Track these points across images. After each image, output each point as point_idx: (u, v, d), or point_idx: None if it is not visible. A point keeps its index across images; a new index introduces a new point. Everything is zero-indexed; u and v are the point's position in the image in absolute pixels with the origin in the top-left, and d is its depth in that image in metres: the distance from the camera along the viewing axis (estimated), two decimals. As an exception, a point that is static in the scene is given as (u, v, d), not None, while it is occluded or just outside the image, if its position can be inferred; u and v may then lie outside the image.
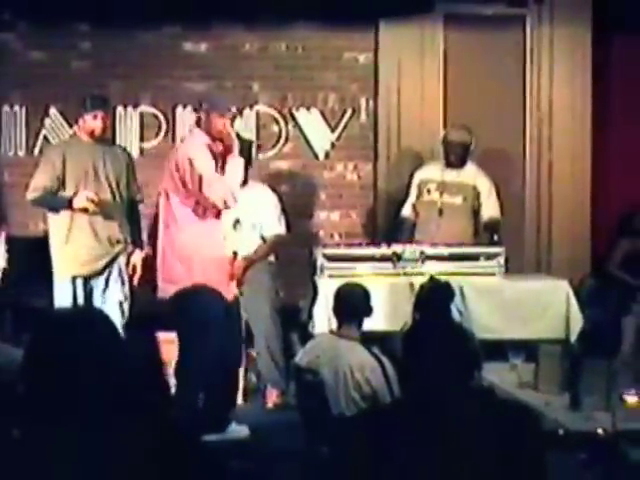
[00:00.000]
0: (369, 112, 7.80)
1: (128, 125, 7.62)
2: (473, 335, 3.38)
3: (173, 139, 7.62)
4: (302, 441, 4.74)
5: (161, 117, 7.65)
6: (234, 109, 6.67)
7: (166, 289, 5.57)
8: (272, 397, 6.49)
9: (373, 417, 2.96)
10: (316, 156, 7.82)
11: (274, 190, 6.82)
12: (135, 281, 6.28)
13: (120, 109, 7.53)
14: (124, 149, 6.69)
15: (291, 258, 7.14)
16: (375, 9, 7.54)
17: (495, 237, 6.81)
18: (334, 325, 5.00)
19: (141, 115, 7.65)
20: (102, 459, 2.23)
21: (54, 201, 6.12)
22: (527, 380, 5.36)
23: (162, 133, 7.66)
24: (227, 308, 5.58)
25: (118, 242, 6.20)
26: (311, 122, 7.77)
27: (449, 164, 7.01)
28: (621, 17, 7.66)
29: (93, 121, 6.13)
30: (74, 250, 6.09)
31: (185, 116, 7.60)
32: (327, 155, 7.83)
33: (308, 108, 7.77)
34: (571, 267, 7.56)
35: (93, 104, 6.15)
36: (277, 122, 7.75)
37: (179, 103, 7.63)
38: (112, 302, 6.15)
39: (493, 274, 6.54)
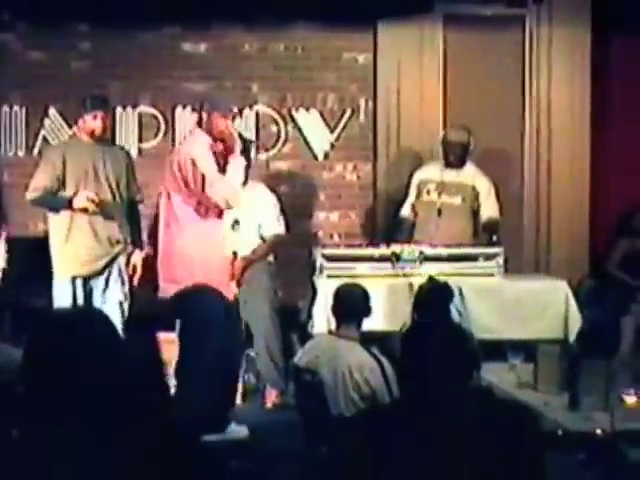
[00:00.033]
0: (368, 112, 7.81)
1: (127, 125, 7.62)
2: (472, 335, 3.39)
3: (172, 139, 7.62)
4: (301, 441, 4.74)
5: (160, 117, 7.65)
6: (235, 109, 6.68)
7: (167, 289, 5.58)
8: (271, 397, 6.50)
9: (372, 417, 2.96)
10: (315, 156, 7.82)
11: (273, 190, 6.82)
12: (135, 281, 6.28)
13: (119, 109, 7.54)
14: (124, 149, 6.69)
15: (290, 258, 7.14)
16: (374, 9, 7.54)
17: (494, 237, 6.82)
18: (333, 325, 5.01)
19: (140, 115, 7.66)
20: (102, 459, 2.23)
21: (54, 201, 6.13)
22: (526, 380, 5.36)
23: (161, 133, 7.67)
24: (227, 308, 5.58)
25: (118, 242, 6.21)
26: (310, 122, 7.78)
27: (448, 164, 7.01)
28: (620, 17, 7.67)
29: (93, 121, 6.14)
30: (74, 250, 6.09)
31: (184, 116, 7.61)
32: (326, 155, 7.83)
33: (307, 108, 7.77)
34: (570, 267, 7.57)
35: (93, 104, 6.16)
36: (276, 122, 7.76)
37: (178, 103, 7.63)
38: (112, 302, 6.15)
39: (492, 274, 6.54)
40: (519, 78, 7.88)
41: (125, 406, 2.31)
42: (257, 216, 6.48)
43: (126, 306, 6.24)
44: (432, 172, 7.09)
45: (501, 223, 7.06)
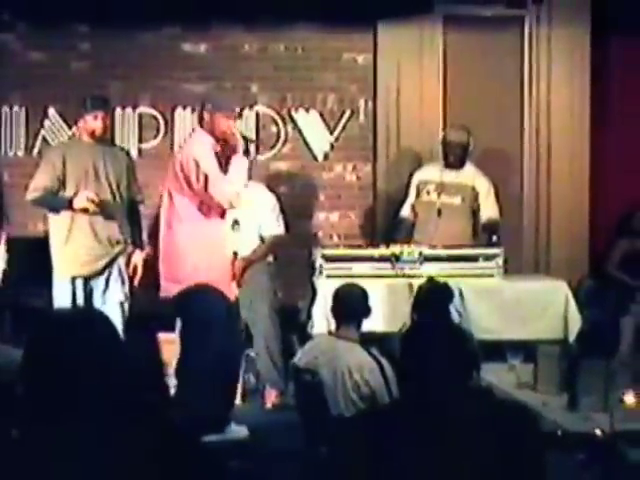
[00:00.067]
0: (368, 113, 7.81)
1: (127, 126, 7.62)
2: (472, 336, 3.39)
3: (172, 140, 7.63)
4: (301, 441, 4.74)
5: (160, 118, 7.66)
6: (238, 109, 6.69)
7: (169, 288, 5.58)
8: (271, 397, 6.50)
9: (372, 418, 2.96)
10: (315, 157, 7.82)
11: (273, 191, 6.83)
12: (136, 281, 6.28)
13: (119, 110, 7.54)
14: (124, 150, 6.70)
15: (290, 259, 7.15)
16: (374, 10, 7.54)
17: (494, 238, 6.82)
18: (333, 326, 5.01)
19: (140, 116, 7.66)
20: (102, 460, 2.23)
21: (54, 201, 6.13)
22: (525, 380, 5.37)
23: (161, 134, 7.67)
24: (229, 308, 5.59)
25: (118, 243, 6.21)
26: (310, 123, 7.78)
27: (448, 165, 7.01)
28: (619, 18, 7.67)
29: (94, 121, 6.14)
30: (74, 250, 6.09)
31: (184, 117, 7.62)
32: (326, 156, 7.83)
33: (307, 109, 7.77)
34: (570, 267, 7.57)
35: (94, 104, 6.16)
36: (276, 123, 7.76)
37: (178, 104, 7.64)
38: (112, 302, 6.15)
39: (492, 275, 6.55)
40: (519, 78, 7.89)
41: (125, 406, 2.31)
42: (257, 216, 6.48)
43: (126, 306, 6.24)
44: (432, 172, 7.10)
45: (501, 223, 7.06)
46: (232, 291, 5.73)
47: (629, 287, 7.33)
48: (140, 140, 7.65)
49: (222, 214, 5.65)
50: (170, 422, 2.43)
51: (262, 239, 6.54)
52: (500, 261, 6.55)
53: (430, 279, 5.78)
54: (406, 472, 2.71)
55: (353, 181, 7.86)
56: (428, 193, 7.06)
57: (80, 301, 6.07)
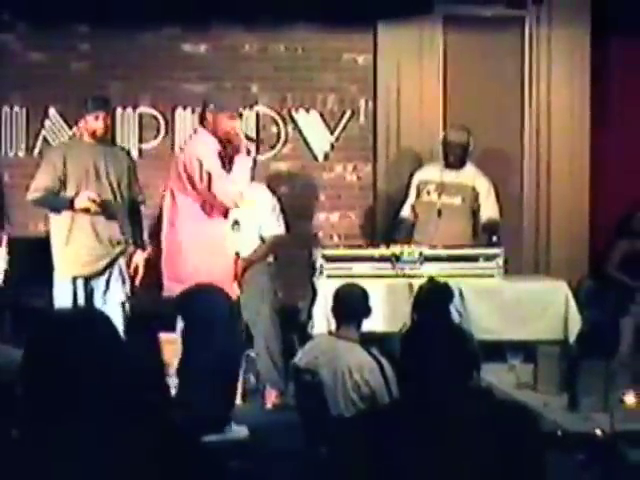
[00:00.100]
0: (368, 113, 7.81)
1: (127, 126, 7.62)
2: (472, 336, 3.39)
3: (172, 140, 7.64)
4: (301, 441, 4.74)
5: (160, 118, 7.66)
6: (240, 109, 6.69)
7: (172, 288, 5.58)
8: (271, 397, 6.50)
9: (372, 418, 2.97)
10: (315, 157, 7.82)
11: (273, 191, 6.83)
12: (137, 281, 6.29)
13: (119, 110, 7.54)
14: (125, 150, 6.70)
15: (290, 259, 7.15)
16: (374, 10, 7.55)
17: (494, 238, 6.83)
18: (333, 326, 5.01)
19: (140, 116, 7.66)
20: (102, 460, 2.23)
21: (56, 201, 6.14)
22: (525, 381, 5.36)
23: (161, 134, 7.67)
24: (231, 308, 5.59)
25: (119, 243, 6.21)
26: (310, 123, 7.78)
27: (448, 165, 7.02)
28: (619, 19, 7.67)
29: (95, 122, 6.15)
30: (75, 251, 6.10)
31: (185, 117, 7.62)
32: (326, 156, 7.83)
33: (307, 109, 7.78)
34: (570, 268, 7.57)
35: (95, 105, 6.17)
36: (276, 123, 7.76)
37: (178, 104, 7.64)
38: (113, 303, 6.16)
39: (492, 275, 6.55)
40: (519, 79, 7.89)
41: (125, 406, 2.31)
42: (257, 217, 6.49)
43: (127, 306, 6.24)
44: (432, 173, 7.10)
45: (501, 224, 7.07)
46: (234, 291, 5.73)
47: (629, 288, 7.33)
48: (140, 140, 7.65)
49: (225, 214, 5.66)
50: (170, 422, 2.43)
51: (262, 239, 6.54)
52: (500, 261, 6.55)
53: (430, 279, 5.78)
54: (406, 472, 2.72)
55: (353, 181, 7.86)
56: (428, 193, 7.06)
57: (81, 301, 6.07)
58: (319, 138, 7.80)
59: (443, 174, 7.00)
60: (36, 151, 7.49)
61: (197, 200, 5.53)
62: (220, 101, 6.01)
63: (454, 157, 6.99)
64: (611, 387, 4.78)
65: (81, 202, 6.03)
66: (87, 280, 6.16)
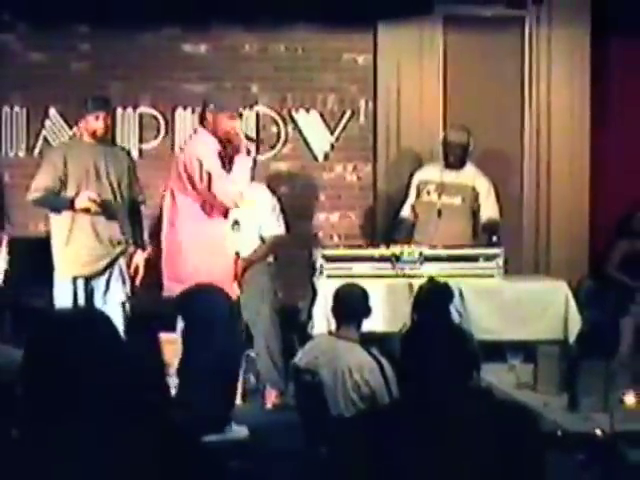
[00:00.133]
0: (368, 113, 7.81)
1: (128, 126, 7.63)
2: (472, 336, 3.39)
3: (173, 140, 7.64)
4: (301, 441, 4.74)
5: (160, 118, 7.66)
6: (240, 110, 6.69)
7: (172, 288, 5.58)
8: (271, 397, 6.51)
9: (372, 418, 2.97)
10: (315, 157, 7.82)
11: (273, 191, 6.84)
12: (137, 281, 6.29)
13: (120, 110, 7.54)
14: (125, 150, 6.70)
15: (290, 259, 7.15)
16: (374, 11, 7.55)
17: (494, 238, 6.83)
18: (333, 326, 5.01)
19: (140, 116, 7.66)
20: (102, 460, 2.23)
21: (56, 201, 6.14)
22: (525, 381, 5.37)
23: (161, 134, 7.67)
24: (231, 308, 5.60)
25: (119, 243, 6.22)
26: (310, 123, 7.78)
27: (448, 165, 7.02)
28: (619, 19, 7.67)
29: (95, 122, 6.15)
30: (75, 251, 6.10)
31: (185, 117, 7.62)
32: (326, 156, 7.83)
33: (307, 109, 7.78)
34: (569, 268, 7.57)
35: (95, 105, 6.17)
36: (276, 123, 7.76)
37: (179, 104, 7.64)
38: (114, 303, 6.16)
39: (492, 275, 6.55)
40: (519, 79, 7.89)
41: (126, 406, 2.31)
42: (257, 217, 6.49)
43: (128, 306, 6.24)
44: (432, 173, 7.10)
45: (501, 224, 7.07)
46: (234, 291, 5.73)
47: (629, 288, 7.33)
48: (141, 140, 7.65)
49: (225, 214, 5.66)
50: (171, 422, 2.43)
51: (262, 239, 6.54)
52: (500, 261, 6.55)
53: (430, 279, 5.78)
54: (406, 472, 2.72)
55: (353, 181, 7.86)
56: (428, 193, 7.06)
57: (81, 301, 6.07)
58: (319, 138, 7.81)
59: (443, 174, 7.00)
60: (36, 151, 7.50)
61: (197, 200, 5.53)
62: (220, 101, 6.01)
63: (454, 157, 6.99)
64: (611, 387, 4.78)
65: (81, 202, 6.04)
66: (87, 280, 6.16)
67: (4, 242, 6.27)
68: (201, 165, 5.47)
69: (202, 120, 5.72)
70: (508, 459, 2.71)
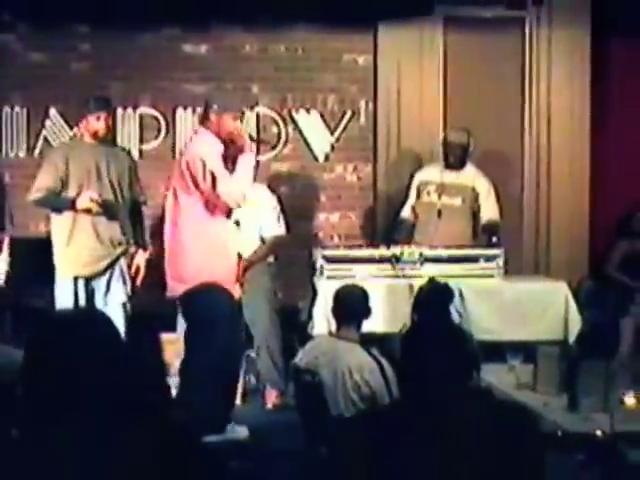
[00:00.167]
0: (368, 114, 7.82)
1: (128, 127, 7.63)
2: (472, 336, 3.40)
3: (173, 141, 7.64)
4: (301, 441, 4.74)
5: (161, 119, 7.67)
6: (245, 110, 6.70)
7: (176, 288, 5.57)
8: (271, 398, 6.51)
9: (372, 418, 2.97)
10: (316, 158, 7.83)
11: (274, 191, 6.84)
12: (138, 282, 6.29)
13: (120, 110, 7.54)
14: (126, 150, 6.71)
15: (290, 259, 7.15)
16: (375, 11, 7.55)
17: (494, 239, 6.83)
18: (333, 326, 5.01)
19: (141, 117, 7.66)
20: (102, 460, 2.23)
21: (57, 202, 6.14)
22: (525, 381, 5.36)
23: (162, 135, 7.68)
24: (233, 307, 5.60)
25: (120, 243, 6.22)
26: (311, 124, 7.79)
27: (448, 165, 7.02)
28: (619, 19, 7.68)
29: (96, 122, 6.16)
30: (76, 251, 6.10)
31: (185, 118, 7.63)
32: (326, 157, 7.84)
33: (308, 110, 7.78)
34: (570, 268, 7.58)
35: (96, 105, 6.18)
36: (277, 124, 7.76)
37: (179, 105, 7.65)
38: (114, 303, 6.16)
39: (492, 276, 6.55)
40: (519, 80, 7.90)
41: (126, 406, 2.31)
42: (257, 217, 6.49)
43: (128, 307, 6.24)
44: (432, 173, 7.11)
45: (501, 224, 7.07)
46: (237, 291, 5.73)
47: (629, 288, 7.33)
48: (141, 141, 7.66)
49: (228, 213, 5.66)
50: (171, 422, 2.44)
51: (263, 240, 6.54)
52: (500, 262, 6.56)
53: (430, 280, 5.78)
54: (406, 472, 2.72)
55: (354, 182, 7.87)
56: (428, 194, 7.06)
57: (82, 302, 6.07)
58: (319, 139, 7.81)
59: (443, 175, 7.00)
60: (37, 151, 7.50)
61: (200, 200, 5.52)
62: (222, 101, 6.01)
63: (454, 158, 6.99)
64: (611, 388, 4.78)
65: (83, 202, 6.04)
66: (88, 281, 6.16)
67: (5, 243, 6.28)
68: (204, 165, 5.47)
69: (203, 120, 5.72)
70: (508, 459, 2.71)
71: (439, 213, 6.97)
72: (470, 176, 7.03)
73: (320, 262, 6.45)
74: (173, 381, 5.72)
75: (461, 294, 6.24)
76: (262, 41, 7.71)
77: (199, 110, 7.00)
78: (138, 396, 2.42)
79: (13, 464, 2.24)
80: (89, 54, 7.59)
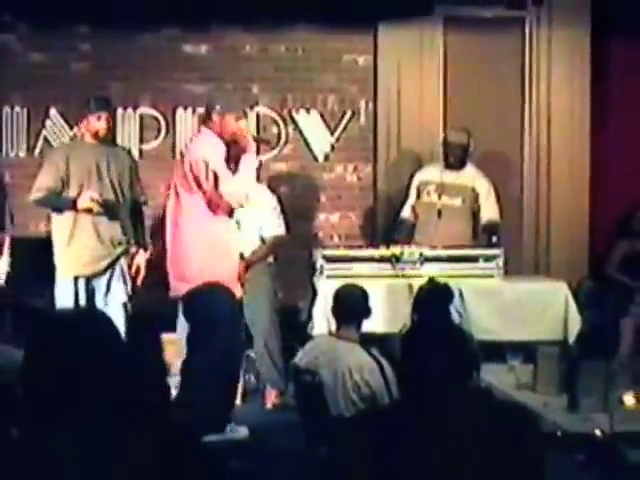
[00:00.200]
0: (368, 114, 7.82)
1: (128, 127, 7.63)
2: (472, 336, 3.40)
3: (173, 141, 7.64)
4: (301, 441, 4.75)
5: (161, 119, 7.67)
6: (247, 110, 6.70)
7: (179, 288, 5.58)
8: (271, 397, 6.51)
9: (372, 418, 2.97)
10: (316, 158, 7.83)
11: (274, 191, 6.84)
12: (139, 282, 6.29)
13: (120, 111, 7.54)
14: (126, 150, 6.71)
15: (290, 259, 7.15)
16: (375, 11, 7.55)
17: (494, 239, 6.83)
18: (333, 326, 5.01)
19: (141, 117, 7.67)
20: (102, 460, 2.24)
21: (58, 201, 6.14)
22: (525, 381, 5.37)
23: (162, 135, 7.68)
24: (234, 307, 5.59)
25: (120, 243, 6.22)
26: (311, 124, 7.79)
27: (448, 166, 7.02)
28: (619, 19, 7.68)
29: (97, 122, 6.16)
30: (77, 251, 6.10)
31: (185, 118, 7.63)
32: (327, 157, 7.84)
33: (308, 110, 7.78)
34: (569, 269, 7.58)
35: (97, 105, 6.18)
36: (277, 124, 7.77)
37: (179, 105, 7.65)
38: (115, 303, 6.16)
39: (492, 276, 6.55)
40: (519, 80, 7.90)
41: (126, 406, 2.31)
42: (257, 217, 6.48)
43: (129, 307, 6.24)
44: (432, 173, 7.11)
45: (501, 225, 7.07)
46: (239, 290, 5.73)
47: (629, 288, 7.33)
48: (141, 141, 7.66)
49: (230, 213, 5.66)
50: (170, 422, 2.44)
51: (263, 240, 6.54)
52: (500, 262, 6.56)
53: (430, 280, 5.79)
54: (406, 472, 2.72)
55: (354, 182, 7.87)
56: (428, 194, 7.07)
57: (82, 301, 6.07)
58: (319, 139, 7.81)
59: (443, 175, 7.00)
60: (37, 151, 7.51)
61: (203, 199, 5.53)
62: (224, 102, 6.02)
63: (454, 158, 6.99)
64: (611, 388, 4.79)
65: (84, 202, 6.04)
66: (88, 280, 6.16)
67: (6, 243, 6.28)
68: (207, 166, 5.47)
69: (205, 121, 5.72)
70: (508, 459, 2.71)
71: (439, 213, 6.97)
72: (470, 176, 7.03)
73: (320, 262, 6.45)
74: (174, 381, 5.73)
75: (461, 294, 6.24)
76: (262, 41, 7.71)
77: (199, 110, 7.02)
78: (138, 396, 2.43)
79: (13, 464, 2.24)
80: (89, 54, 7.59)
